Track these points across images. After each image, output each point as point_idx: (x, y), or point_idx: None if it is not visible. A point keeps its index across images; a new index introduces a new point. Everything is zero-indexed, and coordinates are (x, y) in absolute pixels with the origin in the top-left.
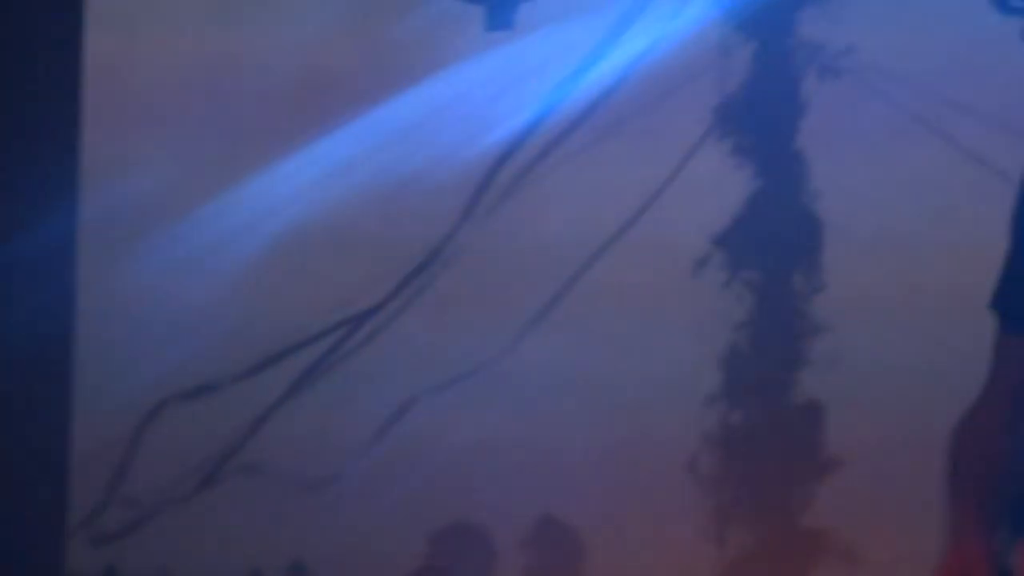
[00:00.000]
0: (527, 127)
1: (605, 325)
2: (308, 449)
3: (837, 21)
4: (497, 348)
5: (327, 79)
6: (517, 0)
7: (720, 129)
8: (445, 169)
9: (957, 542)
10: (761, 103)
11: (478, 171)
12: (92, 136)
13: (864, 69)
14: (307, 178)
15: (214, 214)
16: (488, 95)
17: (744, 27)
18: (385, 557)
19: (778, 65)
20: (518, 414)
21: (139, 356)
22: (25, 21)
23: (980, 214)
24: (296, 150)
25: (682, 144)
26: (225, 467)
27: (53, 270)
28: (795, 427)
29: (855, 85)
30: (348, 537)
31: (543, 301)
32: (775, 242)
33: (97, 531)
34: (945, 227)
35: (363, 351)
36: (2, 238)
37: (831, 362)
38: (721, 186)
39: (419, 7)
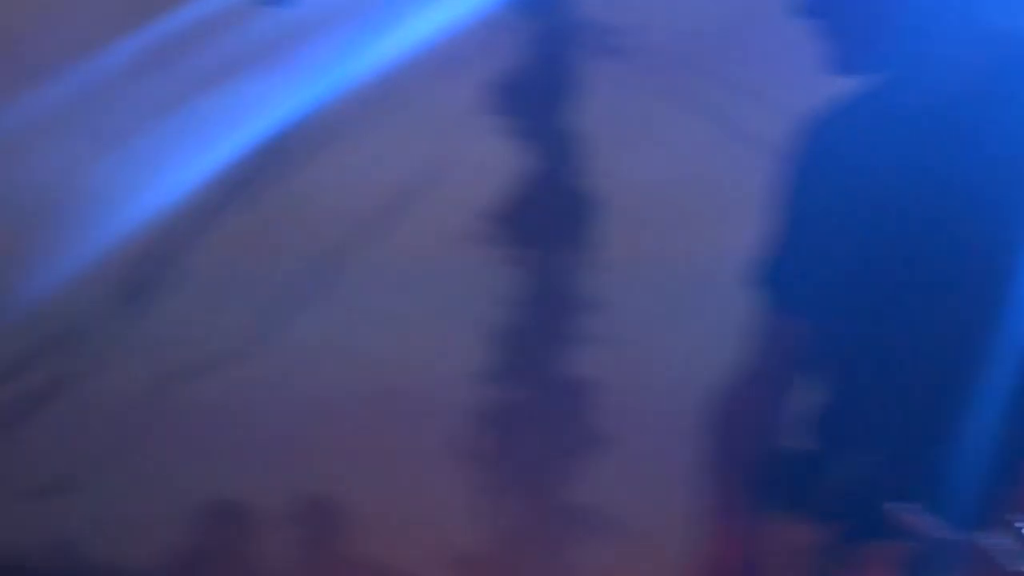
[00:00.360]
0: (302, 105)
1: (377, 303)
2: (70, 431)
3: (612, 1)
4: (268, 326)
5: (102, 61)
6: None
7: (496, 107)
8: (220, 147)
9: (716, 523)
10: (537, 82)
11: (251, 149)
12: None
13: (637, 48)
14: (81, 165)
15: None
16: (264, 73)
17: (522, 5)
18: (149, 535)
19: (555, 44)
20: (289, 391)
21: None
22: None
23: (749, 191)
24: (73, 136)
25: (458, 122)
26: None
27: None
28: (565, 404)
29: (628, 64)
30: (112, 515)
31: (315, 278)
32: (548, 220)
33: None
34: (716, 204)
35: (128, 336)
36: None
37: (603, 339)
38: (496, 164)
39: None
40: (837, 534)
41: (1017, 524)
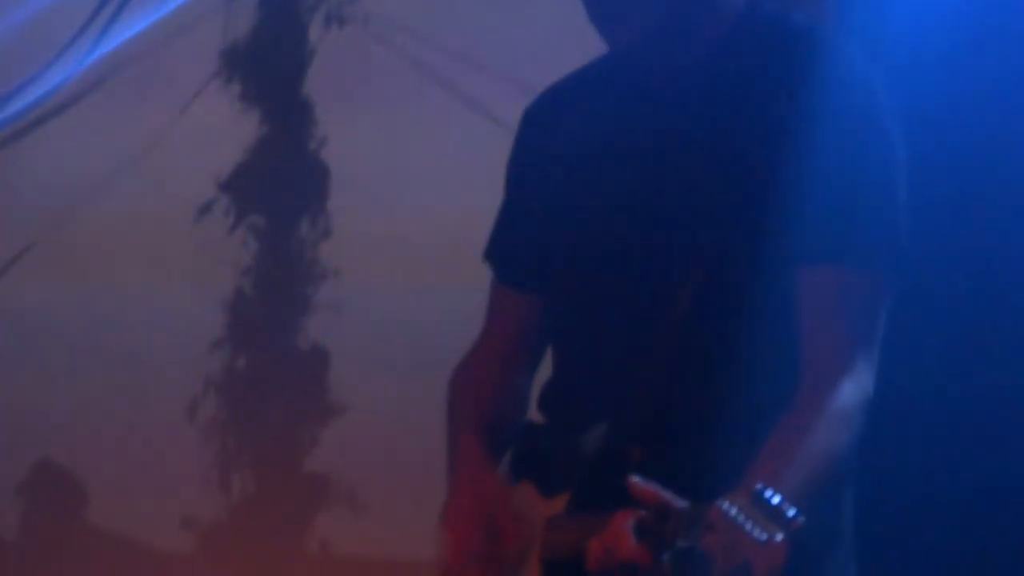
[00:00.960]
0: (33, 73)
1: (110, 270)
2: None
3: None
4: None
5: None
6: None
7: (226, 74)
8: None
9: (456, 490)
10: (268, 49)
11: None
12: None
13: (369, 17)
14: None
15: None
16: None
17: None
18: None
19: (285, 11)
20: (20, 357)
21: None
22: None
23: (482, 164)
24: None
25: (187, 89)
26: None
27: None
28: (300, 372)
29: (360, 33)
30: None
31: (43, 246)
32: (282, 188)
33: None
34: (449, 176)
35: None
36: None
37: (337, 308)
38: (227, 131)
39: None
40: (577, 504)
41: (763, 491)
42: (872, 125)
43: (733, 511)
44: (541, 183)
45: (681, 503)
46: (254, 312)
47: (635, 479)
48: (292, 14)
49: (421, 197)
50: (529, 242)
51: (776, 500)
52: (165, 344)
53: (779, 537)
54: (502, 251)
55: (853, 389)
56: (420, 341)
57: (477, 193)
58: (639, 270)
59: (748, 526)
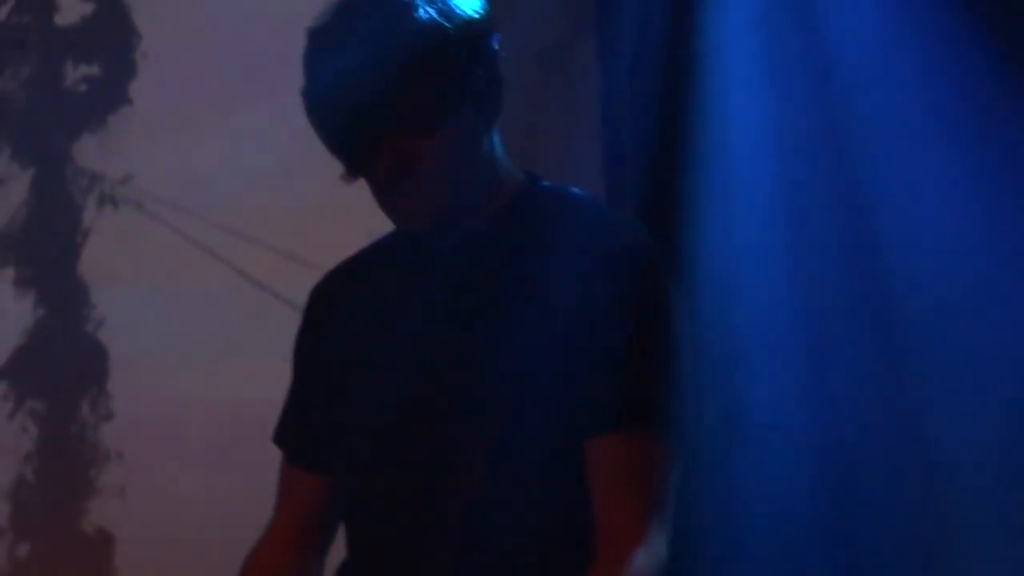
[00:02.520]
0: None
1: None
2: None
3: (114, 151)
4: None
5: None
6: None
7: (3, 258)
8: None
9: None
10: (42, 232)
11: None
12: None
13: (142, 197)
14: None
15: None
16: None
17: (20, 155)
18: None
19: (57, 193)
20: None
21: None
22: None
23: (266, 341)
24: None
25: None
26: None
27: None
28: (85, 558)
29: (134, 213)
30: None
31: None
32: (60, 371)
33: None
34: (235, 353)
35: None
36: None
37: (120, 491)
38: (2, 316)
39: None
40: None
41: None
42: (653, 293)
43: None
44: (329, 362)
45: None
46: (36, 497)
47: None
48: (65, 197)
49: (203, 377)
50: (319, 422)
51: None
52: None
53: None
54: (291, 432)
55: (647, 556)
56: (206, 522)
57: (262, 371)
58: (429, 445)
59: None
